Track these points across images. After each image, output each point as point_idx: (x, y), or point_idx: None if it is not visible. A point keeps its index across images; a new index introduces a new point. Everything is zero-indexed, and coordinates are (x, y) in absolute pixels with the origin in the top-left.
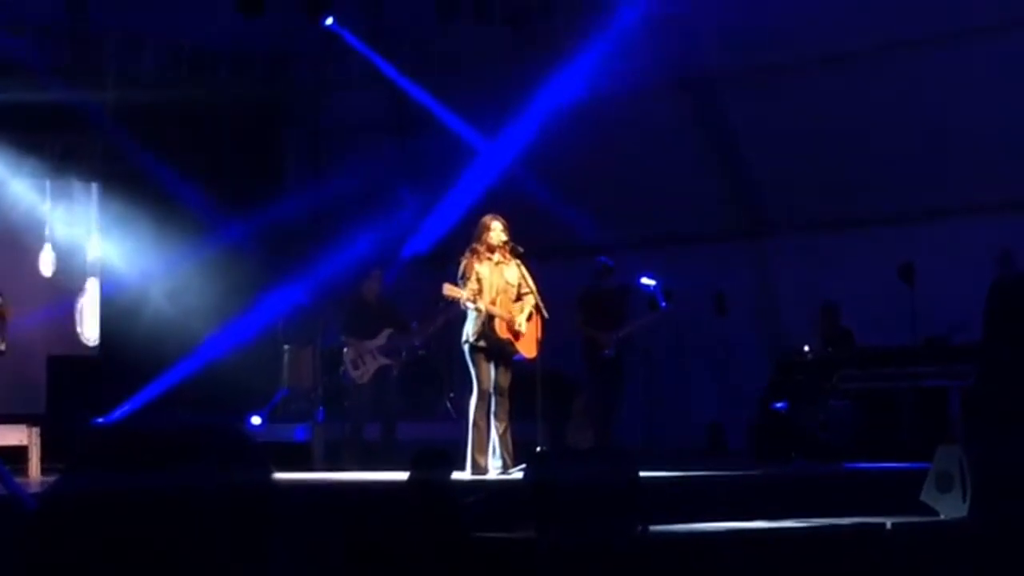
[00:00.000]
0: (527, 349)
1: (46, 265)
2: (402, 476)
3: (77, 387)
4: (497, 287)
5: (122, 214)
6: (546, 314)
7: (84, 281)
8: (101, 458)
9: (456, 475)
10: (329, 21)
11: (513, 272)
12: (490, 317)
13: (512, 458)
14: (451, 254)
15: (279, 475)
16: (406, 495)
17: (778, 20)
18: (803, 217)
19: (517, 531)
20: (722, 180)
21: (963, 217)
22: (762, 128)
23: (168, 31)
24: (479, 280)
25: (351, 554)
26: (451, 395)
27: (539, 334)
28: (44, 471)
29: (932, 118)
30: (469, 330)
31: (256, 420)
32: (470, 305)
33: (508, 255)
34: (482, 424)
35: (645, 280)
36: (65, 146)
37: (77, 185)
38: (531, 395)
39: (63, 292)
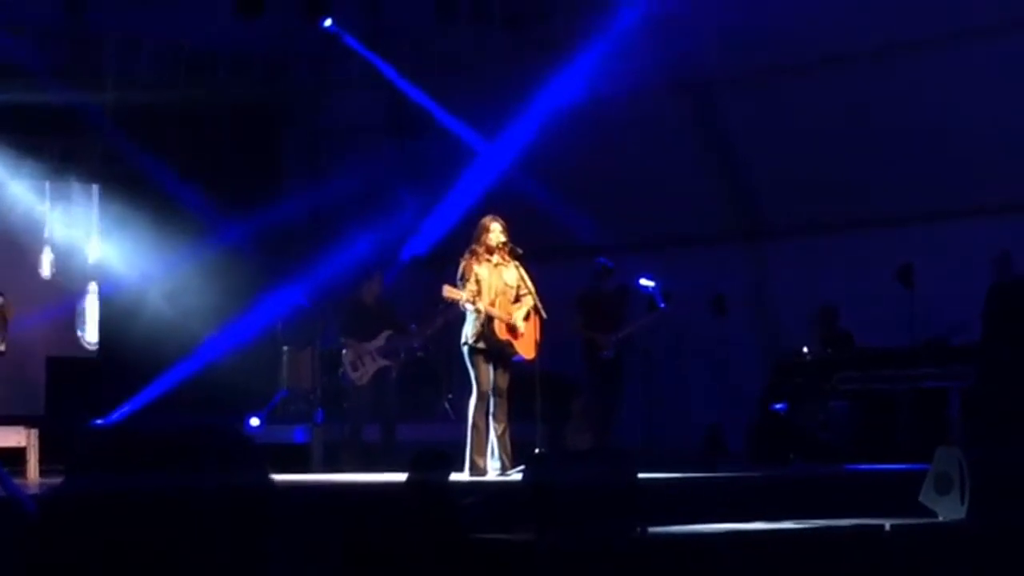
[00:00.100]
0: (526, 350)
1: (45, 266)
2: (401, 477)
3: (76, 388)
4: (496, 288)
5: (121, 215)
6: (545, 315)
7: (85, 283)
8: (100, 460)
9: (455, 476)
10: (328, 22)
11: (512, 273)
12: (489, 319)
13: (511, 459)
14: (450, 255)
15: (278, 476)
16: (405, 496)
17: (777, 22)
18: (802, 218)
19: (516, 532)
20: (721, 181)
21: (962, 219)
22: (761, 129)
23: (167, 32)
24: (478, 282)
25: (350, 556)
26: (450, 396)
27: (538, 335)
28: (43, 473)
29: (931, 120)
30: (468, 331)
31: (255, 421)
32: (469, 307)
33: (507, 256)
34: (481, 425)
35: (644, 281)
36: (64, 148)
37: (76, 187)
38: (530, 396)
39: (62, 293)
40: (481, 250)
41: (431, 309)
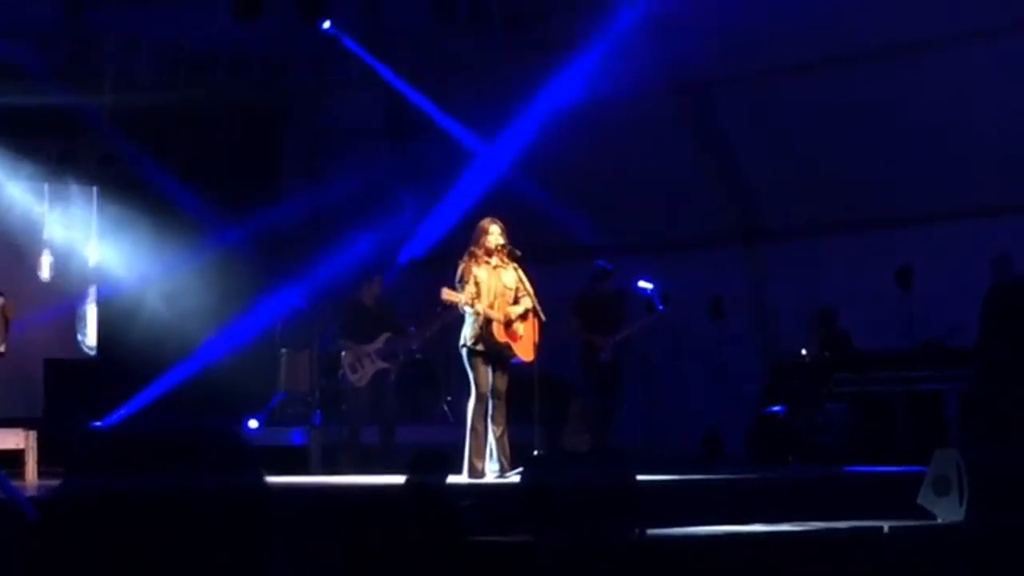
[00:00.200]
0: (524, 353)
1: (44, 268)
2: (400, 480)
3: (74, 390)
4: (495, 291)
5: (120, 217)
6: (543, 317)
7: (84, 286)
8: (98, 461)
9: (453, 478)
10: (326, 24)
11: (511, 276)
12: (488, 321)
13: (509, 461)
14: (449, 257)
15: (276, 479)
16: (403, 498)
17: (776, 23)
18: (800, 220)
19: (515, 534)
20: (720, 182)
21: (961, 220)
22: (760, 131)
23: (166, 34)
24: (477, 284)
25: (349, 558)
26: (448, 398)
27: (536, 338)
28: (41, 475)
29: (930, 121)
30: (467, 334)
31: (253, 423)
32: (468, 309)
33: (506, 259)
34: (479, 427)
35: (642, 283)
36: (63, 149)
37: (75, 188)
38: (528, 398)
39: (61, 295)
40: (480, 252)
41: (430, 311)
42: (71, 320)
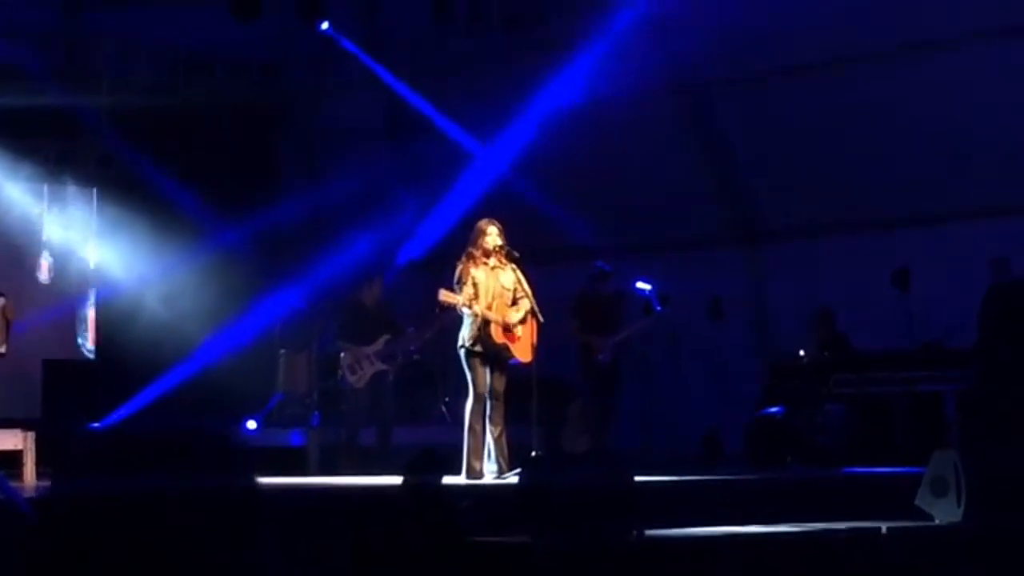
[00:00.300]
0: (523, 354)
1: (43, 269)
2: (398, 481)
3: (73, 391)
4: (493, 292)
5: (118, 218)
6: (541, 319)
7: (83, 287)
8: (90, 462)
9: (452, 479)
10: (325, 26)
11: (509, 276)
12: (486, 322)
13: (507, 462)
14: (448, 258)
15: (274, 479)
16: (401, 500)
17: (776, 23)
18: (799, 221)
19: (513, 535)
20: (719, 184)
21: (959, 221)
22: (759, 131)
23: (164, 35)
24: (475, 285)
25: (347, 559)
26: (447, 399)
27: (535, 339)
28: (39, 476)
29: (929, 122)
30: (465, 335)
31: (252, 424)
32: (466, 310)
33: (504, 259)
34: (478, 428)
35: (640, 284)
36: (61, 150)
37: (73, 189)
38: (527, 399)
39: (60, 296)
40: (478, 253)
41: (428, 313)
42: (70, 321)
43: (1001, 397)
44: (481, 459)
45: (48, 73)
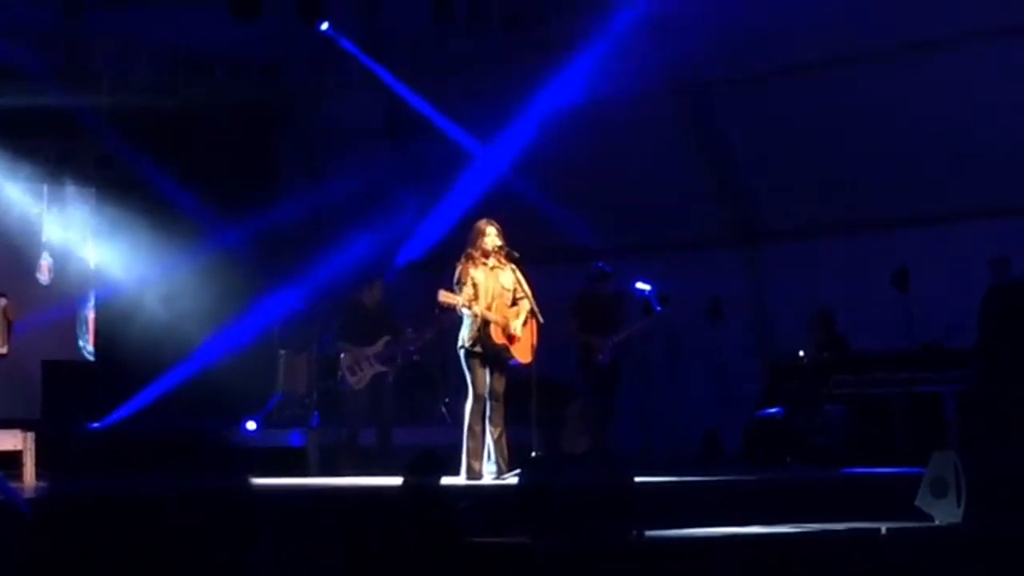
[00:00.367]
0: (522, 354)
1: (43, 270)
2: (397, 481)
3: (73, 392)
4: (493, 292)
5: (118, 219)
6: (541, 319)
7: (82, 287)
8: (85, 462)
9: (451, 480)
10: (324, 26)
11: (508, 277)
12: (486, 322)
13: (507, 463)
14: (448, 259)
15: (274, 480)
16: (401, 500)
17: (775, 23)
18: (799, 221)
19: (512, 536)
20: (719, 184)
21: (959, 222)
22: (758, 132)
23: (164, 35)
24: (475, 285)
25: (346, 560)
26: (446, 400)
27: (534, 339)
28: (39, 476)
29: (928, 122)
30: (465, 335)
31: (251, 425)
32: (466, 311)
33: (503, 260)
34: (477, 429)
35: (640, 285)
36: (61, 151)
37: (73, 190)
38: (526, 400)
39: (59, 297)
40: (477, 254)
41: (428, 313)
42: (70, 322)
43: (1001, 397)
44: (480, 460)
45: (48, 73)
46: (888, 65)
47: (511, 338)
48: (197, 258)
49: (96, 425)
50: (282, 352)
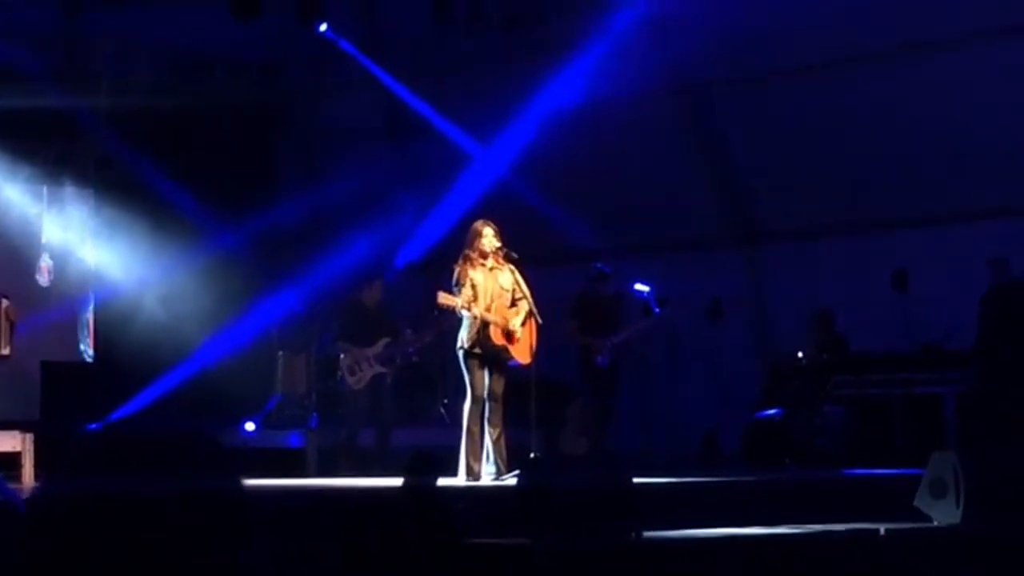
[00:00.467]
0: (521, 355)
1: (43, 271)
2: (396, 482)
3: (72, 393)
4: (492, 293)
5: (117, 220)
6: (540, 320)
7: (81, 288)
8: (86, 462)
9: (450, 481)
10: (324, 27)
11: (507, 278)
12: (485, 323)
13: (506, 464)
14: (447, 260)
15: (273, 481)
16: (400, 501)
17: (775, 24)
18: (799, 222)
19: (511, 537)
20: (718, 184)
21: (959, 222)
22: (758, 132)
23: (164, 36)
24: (473, 286)
25: (346, 561)
26: (445, 401)
27: (534, 340)
28: (38, 477)
29: (928, 123)
30: (464, 336)
31: (250, 426)
32: (465, 312)
33: (501, 260)
34: (476, 430)
35: (639, 286)
36: (60, 152)
37: (72, 191)
38: (525, 401)
39: (59, 298)
40: (475, 255)
41: (427, 315)
42: (70, 323)
43: (1001, 397)
44: (479, 461)
45: (48, 74)
46: (888, 65)
47: (511, 339)
48: (196, 259)
49: (95, 426)
50: (281, 353)
